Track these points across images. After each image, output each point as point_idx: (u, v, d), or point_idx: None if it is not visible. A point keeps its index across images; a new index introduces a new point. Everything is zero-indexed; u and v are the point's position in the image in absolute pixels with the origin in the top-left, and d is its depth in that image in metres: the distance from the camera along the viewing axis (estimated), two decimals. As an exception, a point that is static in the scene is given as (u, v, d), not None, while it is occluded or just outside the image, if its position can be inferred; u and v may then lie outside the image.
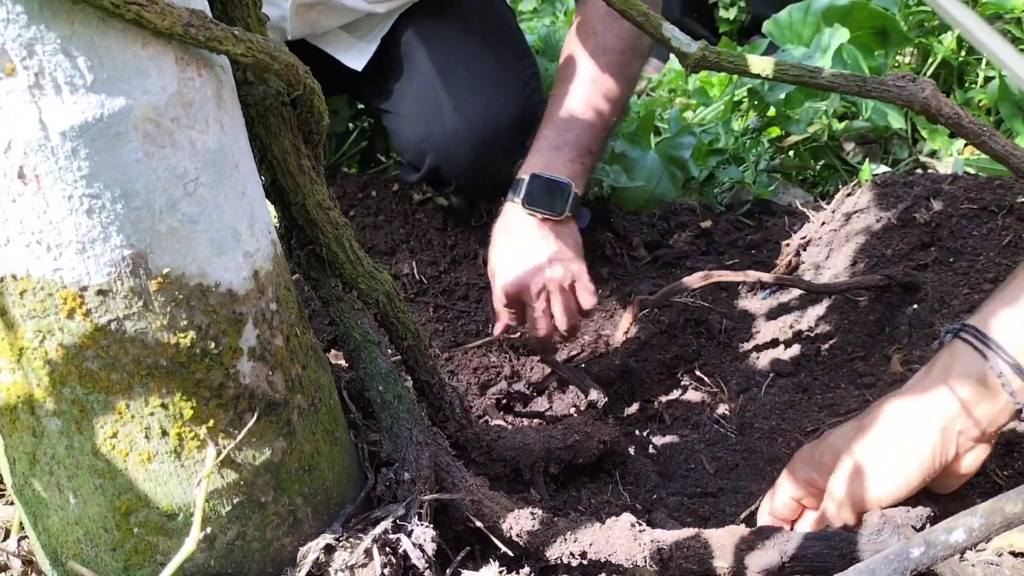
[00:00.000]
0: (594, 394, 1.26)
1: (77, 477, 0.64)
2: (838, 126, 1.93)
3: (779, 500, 0.87)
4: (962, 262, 1.28)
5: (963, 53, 2.04)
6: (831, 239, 1.48)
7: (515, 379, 1.38)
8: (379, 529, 0.70)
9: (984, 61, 2.00)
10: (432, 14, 1.63)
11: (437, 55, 1.60)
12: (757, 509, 0.93)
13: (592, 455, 0.98)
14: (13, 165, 0.54)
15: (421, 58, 1.61)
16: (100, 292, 0.58)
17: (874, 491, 0.78)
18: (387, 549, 0.70)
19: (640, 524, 0.73)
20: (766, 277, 1.34)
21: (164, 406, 0.62)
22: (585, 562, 0.72)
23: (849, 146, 1.94)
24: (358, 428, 0.84)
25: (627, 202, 1.74)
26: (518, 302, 1.30)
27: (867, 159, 1.86)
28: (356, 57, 1.62)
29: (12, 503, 0.81)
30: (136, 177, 0.57)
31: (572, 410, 1.30)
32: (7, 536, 0.79)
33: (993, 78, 1.90)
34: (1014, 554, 0.79)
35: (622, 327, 1.35)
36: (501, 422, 1.14)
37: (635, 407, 1.32)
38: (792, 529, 0.85)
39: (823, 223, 1.54)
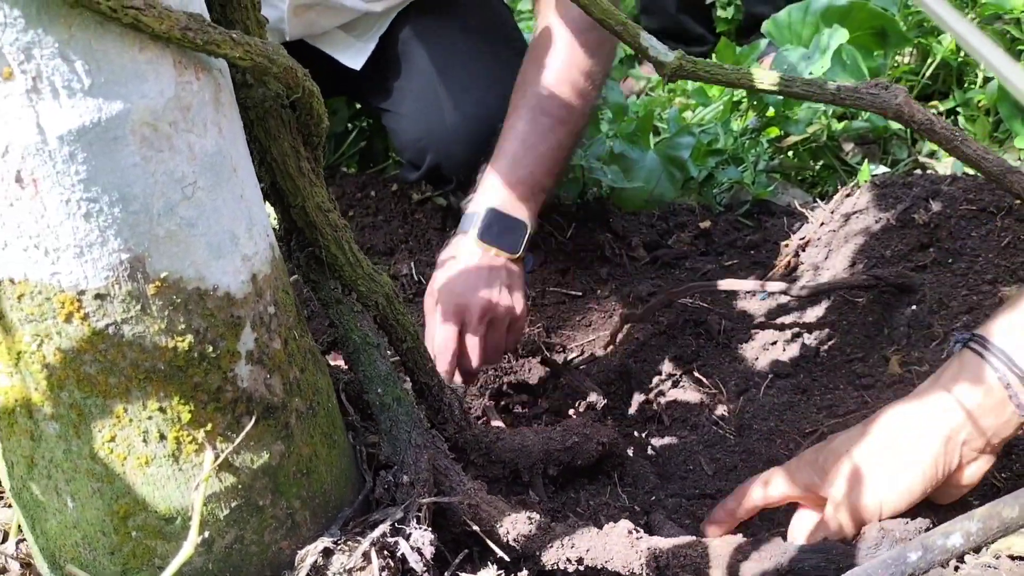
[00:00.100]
0: (593, 396, 1.26)
1: (75, 481, 0.64)
2: (837, 126, 1.93)
3: (771, 494, 0.86)
4: (961, 263, 1.28)
5: (962, 53, 2.04)
6: (830, 240, 1.48)
7: (514, 380, 1.38)
8: (377, 532, 0.70)
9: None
10: (430, 13, 1.63)
11: (435, 53, 1.60)
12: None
13: (591, 457, 0.98)
14: (10, 169, 0.54)
15: (420, 57, 1.61)
16: (98, 296, 0.58)
17: (874, 499, 0.77)
18: (385, 552, 0.70)
19: (637, 531, 0.73)
20: (748, 285, 1.34)
21: (162, 410, 0.62)
22: (582, 568, 0.72)
23: (848, 146, 1.94)
24: (356, 430, 0.84)
25: (626, 202, 1.74)
26: (454, 325, 1.22)
27: (866, 160, 1.86)
28: (354, 56, 1.62)
29: (10, 506, 0.81)
30: (134, 181, 0.57)
31: (571, 412, 1.30)
32: (5, 539, 0.79)
33: (992, 78, 1.90)
34: (1012, 557, 0.79)
35: (609, 343, 1.35)
36: (500, 423, 1.14)
37: (634, 408, 1.32)
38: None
39: (822, 224, 1.54)
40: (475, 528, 0.74)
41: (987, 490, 0.95)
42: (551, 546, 0.73)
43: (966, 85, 2.04)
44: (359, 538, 0.71)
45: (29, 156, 0.54)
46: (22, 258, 0.57)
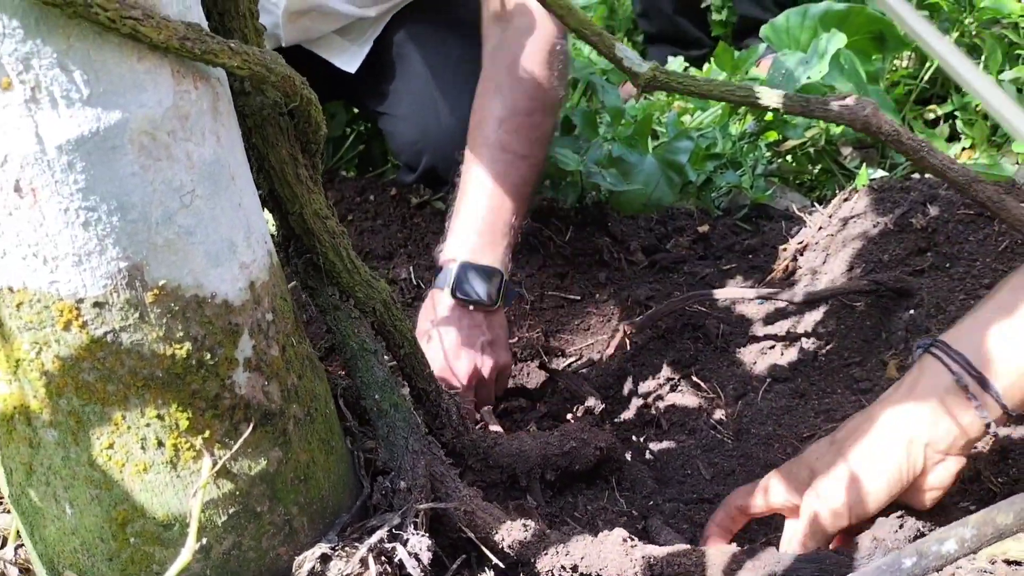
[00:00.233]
0: (591, 400, 1.26)
1: (73, 487, 0.64)
2: (835, 130, 1.93)
3: (754, 508, 0.88)
4: (958, 267, 1.28)
5: (960, 57, 2.04)
6: (828, 244, 1.48)
7: (513, 385, 1.38)
8: (375, 538, 0.71)
9: (980, 66, 2.00)
10: (424, 16, 1.64)
11: (430, 56, 1.60)
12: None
13: (589, 462, 0.98)
14: (9, 179, 0.55)
15: (414, 59, 1.62)
16: (96, 304, 0.58)
17: (842, 507, 0.78)
18: (383, 558, 0.71)
19: (632, 539, 0.73)
20: (748, 293, 1.34)
21: (160, 417, 0.63)
22: (577, 575, 0.73)
23: (846, 150, 1.94)
24: (354, 436, 0.85)
25: (624, 206, 1.74)
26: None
27: (864, 164, 1.86)
28: (349, 60, 1.63)
29: (9, 512, 0.81)
30: (132, 190, 0.57)
31: (569, 416, 1.30)
32: (4, 544, 0.79)
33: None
34: (1007, 562, 0.79)
35: (609, 351, 1.35)
36: (498, 428, 1.14)
37: (632, 412, 1.32)
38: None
39: (820, 228, 1.54)
40: (470, 535, 0.75)
41: (984, 495, 0.95)
42: (546, 553, 0.73)
43: (964, 90, 2.04)
44: (357, 544, 0.71)
45: (28, 165, 0.54)
46: (21, 266, 0.57)
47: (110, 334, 0.59)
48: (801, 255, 1.54)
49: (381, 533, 0.71)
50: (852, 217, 1.47)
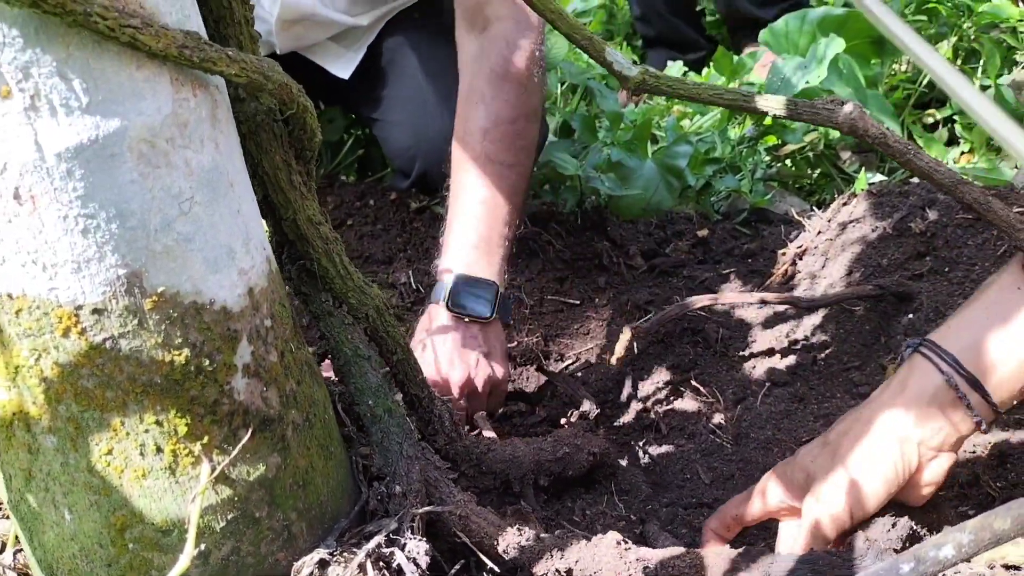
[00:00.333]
0: (586, 405, 1.26)
1: (72, 493, 0.64)
2: (834, 134, 1.93)
3: (750, 515, 0.88)
4: (957, 272, 1.28)
5: (958, 62, 2.05)
6: (827, 248, 1.48)
7: (512, 390, 1.38)
8: (372, 544, 0.71)
9: (979, 70, 2.01)
10: (416, 22, 1.65)
11: (423, 62, 1.61)
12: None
13: (582, 467, 0.98)
14: (9, 186, 0.55)
15: (408, 65, 1.62)
16: (95, 311, 0.59)
17: (843, 511, 0.79)
18: (381, 563, 0.71)
19: (626, 542, 0.73)
20: (751, 298, 1.34)
21: (159, 423, 0.63)
22: (572, 579, 0.73)
23: (845, 155, 1.95)
24: (352, 442, 0.85)
25: (624, 210, 1.75)
26: None
27: (863, 168, 1.87)
28: (343, 66, 1.64)
29: (8, 517, 0.81)
30: (131, 197, 0.58)
31: (563, 421, 1.30)
32: (3, 550, 0.80)
33: (988, 87, 1.91)
34: (1006, 567, 0.79)
35: (616, 354, 1.35)
36: (492, 434, 1.14)
37: (631, 417, 1.32)
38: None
39: (819, 232, 1.54)
40: (464, 539, 0.75)
41: (982, 499, 0.95)
42: (541, 558, 0.73)
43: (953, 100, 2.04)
44: (355, 549, 0.72)
45: (27, 173, 0.55)
46: (20, 273, 0.57)
47: (109, 341, 0.60)
48: (800, 259, 1.54)
49: (379, 539, 0.71)
50: (851, 221, 1.47)
